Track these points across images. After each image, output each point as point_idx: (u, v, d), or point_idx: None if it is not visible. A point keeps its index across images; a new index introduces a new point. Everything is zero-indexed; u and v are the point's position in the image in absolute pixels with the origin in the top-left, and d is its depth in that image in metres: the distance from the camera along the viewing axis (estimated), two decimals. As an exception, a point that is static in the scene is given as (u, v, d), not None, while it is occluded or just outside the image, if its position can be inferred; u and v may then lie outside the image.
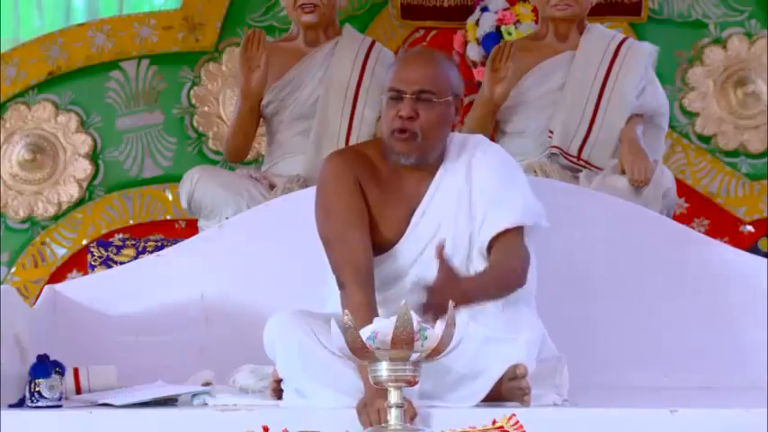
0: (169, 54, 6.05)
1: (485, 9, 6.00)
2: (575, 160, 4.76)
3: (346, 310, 2.76)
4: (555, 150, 4.77)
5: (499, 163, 3.65)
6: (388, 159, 3.58)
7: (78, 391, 3.66)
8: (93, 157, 6.02)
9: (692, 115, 6.09)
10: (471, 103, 5.10)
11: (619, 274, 4.10)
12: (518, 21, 5.96)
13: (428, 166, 3.59)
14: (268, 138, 4.98)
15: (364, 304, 3.35)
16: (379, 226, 3.56)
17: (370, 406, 3.19)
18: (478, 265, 3.53)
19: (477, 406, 3.31)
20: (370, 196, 3.56)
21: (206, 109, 6.06)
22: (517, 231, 3.56)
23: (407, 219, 3.57)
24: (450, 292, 3.13)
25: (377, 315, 3.29)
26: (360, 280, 3.42)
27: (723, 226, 5.93)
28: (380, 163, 3.59)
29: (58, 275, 5.86)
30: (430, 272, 3.45)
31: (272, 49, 4.87)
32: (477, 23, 6.00)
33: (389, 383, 2.72)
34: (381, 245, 3.56)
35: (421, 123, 3.49)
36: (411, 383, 2.74)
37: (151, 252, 4.94)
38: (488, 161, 3.62)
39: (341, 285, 3.46)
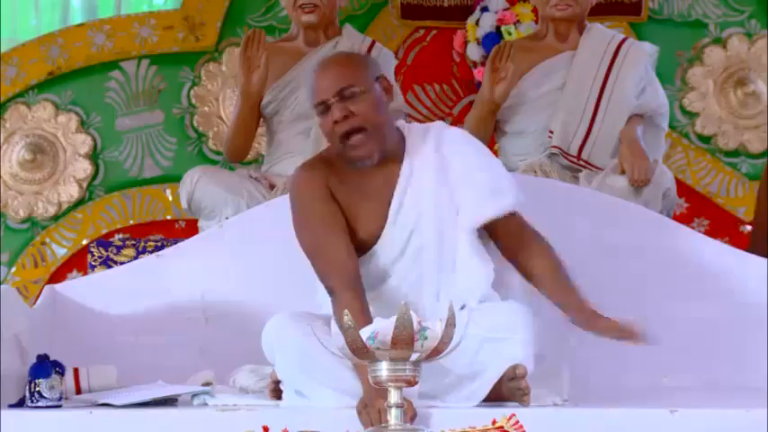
0: (169, 54, 6.06)
1: (485, 9, 6.01)
2: (575, 160, 4.76)
3: (346, 310, 2.76)
4: (555, 150, 4.77)
5: (474, 148, 3.68)
6: (351, 166, 3.58)
7: (78, 391, 3.66)
8: (93, 157, 6.03)
9: (692, 115, 6.10)
10: (471, 102, 5.10)
11: (619, 274, 4.10)
12: (518, 21, 5.96)
13: (391, 157, 3.59)
14: (268, 138, 4.98)
15: (356, 307, 3.34)
16: (356, 227, 3.56)
17: (371, 406, 3.19)
18: (463, 249, 3.53)
19: (478, 406, 3.31)
20: (343, 200, 3.57)
21: (206, 109, 6.07)
22: (515, 213, 3.61)
23: (383, 215, 3.57)
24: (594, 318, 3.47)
25: (370, 316, 3.30)
26: (348, 283, 3.43)
27: (723, 226, 5.94)
28: (346, 166, 3.59)
29: (58, 275, 5.86)
30: (414, 268, 3.50)
31: (272, 49, 4.87)
32: (477, 23, 6.01)
33: (389, 383, 2.72)
34: (361, 246, 3.56)
35: (360, 117, 3.50)
36: (411, 383, 2.74)
37: (151, 252, 4.94)
38: (462, 147, 3.65)
39: (330, 291, 3.47)
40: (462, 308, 3.38)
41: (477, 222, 3.56)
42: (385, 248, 3.57)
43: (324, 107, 3.52)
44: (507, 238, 3.60)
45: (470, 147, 3.68)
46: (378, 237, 3.57)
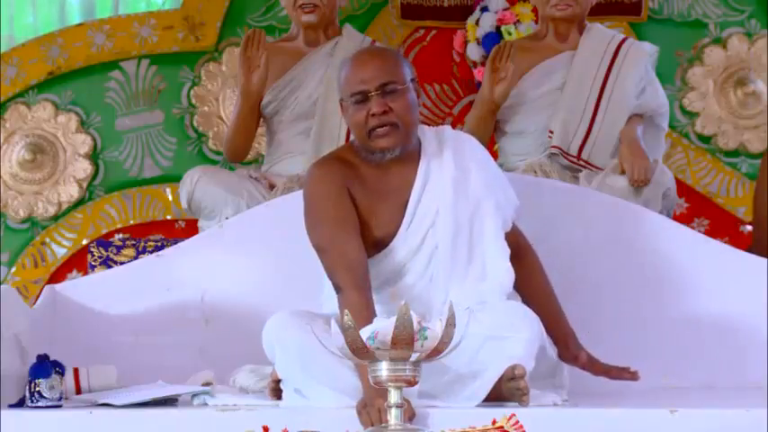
0: (169, 54, 6.06)
1: (485, 9, 6.01)
2: (575, 160, 4.76)
3: (346, 310, 2.76)
4: (555, 150, 4.77)
5: (487, 155, 3.74)
6: (369, 159, 3.59)
7: (78, 391, 3.66)
8: (93, 157, 6.03)
9: (692, 115, 6.09)
10: (471, 102, 5.09)
11: (619, 274, 4.10)
12: (518, 21, 5.96)
13: (409, 157, 3.61)
14: (268, 138, 4.98)
15: (362, 305, 3.35)
16: (373, 226, 3.57)
17: (371, 406, 3.19)
18: (493, 249, 3.57)
19: (478, 406, 3.31)
20: (359, 198, 3.57)
21: (206, 109, 6.07)
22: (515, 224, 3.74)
23: (401, 213, 3.58)
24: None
25: (375, 316, 3.30)
26: (356, 282, 3.43)
27: (723, 226, 5.94)
28: (362, 165, 3.60)
29: (58, 275, 5.86)
30: (429, 266, 3.53)
31: (272, 48, 4.87)
32: (477, 23, 6.01)
33: (389, 383, 2.72)
34: (377, 244, 3.57)
35: (396, 114, 3.52)
36: (411, 383, 2.75)
37: (151, 252, 4.94)
38: (479, 153, 3.71)
39: (337, 288, 3.47)
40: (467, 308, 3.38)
41: (508, 225, 3.65)
42: (401, 246, 3.58)
43: (362, 97, 3.53)
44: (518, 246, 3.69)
45: (487, 154, 3.74)
46: (394, 235, 3.58)
